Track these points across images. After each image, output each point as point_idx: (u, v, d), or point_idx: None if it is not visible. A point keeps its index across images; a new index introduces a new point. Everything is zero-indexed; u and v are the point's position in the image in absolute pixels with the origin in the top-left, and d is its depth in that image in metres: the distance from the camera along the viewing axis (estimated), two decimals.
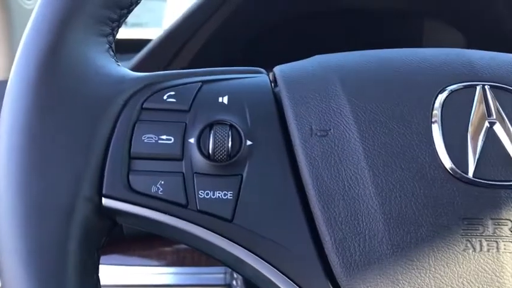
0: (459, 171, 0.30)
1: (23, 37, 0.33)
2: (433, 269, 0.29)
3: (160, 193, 0.31)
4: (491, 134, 0.31)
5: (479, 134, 0.31)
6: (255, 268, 0.31)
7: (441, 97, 0.32)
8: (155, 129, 0.32)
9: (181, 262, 0.67)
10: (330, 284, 0.30)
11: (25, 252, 0.29)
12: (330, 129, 0.32)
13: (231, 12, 0.83)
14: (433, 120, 0.31)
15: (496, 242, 0.29)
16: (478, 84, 0.32)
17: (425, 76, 0.33)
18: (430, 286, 0.29)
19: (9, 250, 0.29)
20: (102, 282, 0.33)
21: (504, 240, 0.29)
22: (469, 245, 0.29)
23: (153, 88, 0.33)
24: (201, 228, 0.31)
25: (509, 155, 0.30)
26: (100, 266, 0.33)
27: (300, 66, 0.35)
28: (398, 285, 0.29)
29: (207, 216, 0.31)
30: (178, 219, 0.31)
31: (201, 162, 0.31)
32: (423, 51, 0.35)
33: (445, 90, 0.32)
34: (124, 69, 0.34)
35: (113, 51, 0.35)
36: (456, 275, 0.29)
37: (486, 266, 0.29)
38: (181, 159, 0.31)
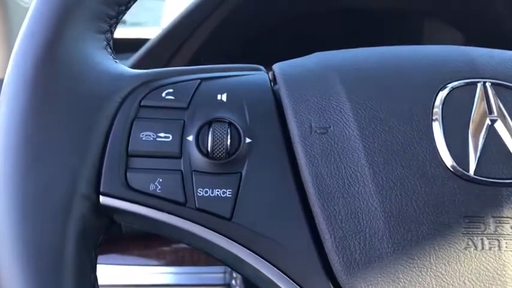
0: (460, 169, 0.30)
1: (19, 34, 0.32)
2: (434, 268, 0.29)
3: (158, 191, 0.31)
4: (492, 132, 0.30)
5: (480, 132, 0.30)
6: (254, 267, 0.31)
7: (442, 94, 0.31)
8: (153, 126, 0.32)
9: (180, 261, 0.66)
10: (330, 282, 0.30)
11: (21, 251, 0.29)
12: (330, 127, 0.31)
13: (229, 11, 0.83)
14: (433, 117, 0.31)
15: (498, 240, 0.29)
16: (479, 81, 0.32)
17: (426, 73, 0.32)
18: (431, 285, 0.29)
19: (5, 249, 0.29)
20: (100, 282, 0.32)
21: (506, 238, 0.29)
22: (470, 243, 0.29)
23: (151, 85, 0.33)
24: (200, 226, 0.31)
25: (510, 152, 0.30)
26: (98, 266, 0.32)
27: (299, 64, 0.35)
28: (399, 284, 0.29)
29: (205, 215, 0.31)
30: (176, 218, 0.31)
31: (199, 160, 0.31)
32: (423, 48, 0.35)
33: (446, 87, 0.32)
34: (122, 66, 0.34)
35: (110, 48, 0.35)
36: (457, 274, 0.29)
37: (488, 265, 0.29)
38: (179, 157, 0.31)
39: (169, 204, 0.31)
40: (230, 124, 0.31)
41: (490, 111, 0.31)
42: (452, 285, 0.29)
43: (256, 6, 0.87)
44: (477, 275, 0.29)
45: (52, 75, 0.31)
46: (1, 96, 0.31)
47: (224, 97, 0.33)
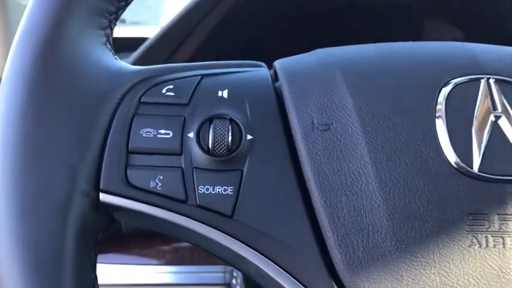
0: (464, 166, 0.30)
1: (18, 30, 0.32)
2: (438, 266, 0.29)
3: (159, 188, 0.30)
4: (496, 128, 0.30)
5: (484, 128, 0.30)
6: (255, 265, 0.30)
7: (445, 90, 0.31)
8: (153, 123, 0.31)
9: (180, 261, 0.66)
10: (332, 280, 0.30)
11: (20, 249, 0.28)
12: (332, 124, 0.31)
13: (229, 9, 0.82)
14: (437, 114, 0.31)
15: (502, 237, 0.29)
16: (482, 78, 0.31)
17: (429, 69, 0.32)
18: (435, 283, 0.29)
19: (4, 247, 0.29)
20: (100, 281, 0.32)
21: (510, 235, 0.29)
22: (474, 240, 0.29)
23: (151, 81, 0.33)
24: (201, 224, 0.30)
25: None
26: (98, 265, 0.32)
27: (301, 60, 0.35)
28: (402, 282, 0.29)
29: (206, 212, 0.30)
30: (177, 215, 0.30)
31: (200, 157, 0.31)
32: (426, 44, 0.35)
33: (449, 83, 0.31)
34: (122, 62, 0.34)
35: (110, 44, 0.34)
36: (462, 272, 0.29)
37: (492, 262, 0.29)
38: (180, 154, 0.31)
39: (170, 202, 0.30)
40: (231, 121, 0.31)
41: (494, 108, 0.31)
42: (457, 283, 0.29)
43: (256, 4, 0.87)
44: (481, 272, 0.29)
45: (51, 71, 0.30)
46: (0, 94, 0.31)
47: (225, 93, 0.32)
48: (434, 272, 0.29)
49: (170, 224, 0.31)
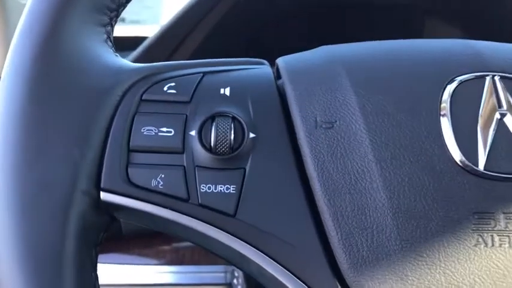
0: (469, 164, 0.29)
1: (17, 28, 0.32)
2: (443, 265, 0.28)
3: (160, 187, 0.30)
4: (502, 126, 0.30)
5: (489, 126, 0.30)
6: (258, 264, 0.30)
7: (450, 88, 0.31)
8: (155, 121, 0.31)
9: (181, 261, 0.66)
10: (336, 280, 0.29)
11: (21, 249, 0.28)
12: (336, 121, 0.31)
13: (229, 8, 0.82)
14: (441, 111, 0.30)
15: (508, 236, 0.28)
16: (487, 75, 0.31)
17: (433, 66, 0.32)
18: (440, 282, 0.28)
19: (5, 247, 0.28)
20: (100, 281, 0.32)
21: None
22: (480, 240, 0.28)
23: (152, 79, 0.32)
24: (203, 223, 0.30)
25: None
26: (98, 265, 0.32)
27: (303, 58, 0.34)
28: (407, 282, 0.28)
29: (208, 211, 0.30)
30: (179, 214, 0.30)
31: (202, 155, 0.30)
32: (430, 42, 0.34)
33: (454, 80, 0.31)
34: (122, 60, 0.33)
35: (111, 41, 0.34)
36: (467, 271, 0.28)
37: (498, 262, 0.28)
38: (182, 152, 0.31)
39: (172, 201, 0.30)
40: (234, 118, 0.31)
41: (500, 105, 0.30)
42: (462, 282, 0.28)
43: (256, 3, 0.87)
44: (487, 272, 0.28)
45: (51, 68, 0.30)
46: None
47: (227, 91, 0.32)
48: (439, 272, 0.28)
49: (172, 223, 0.30)
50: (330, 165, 0.30)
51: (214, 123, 0.30)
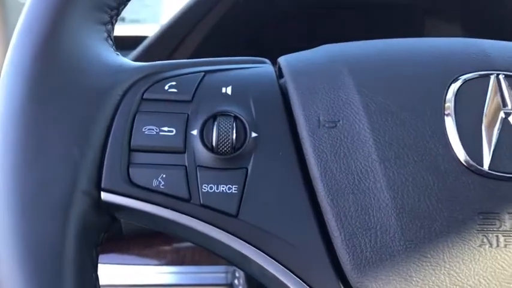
0: (474, 164, 0.29)
1: (17, 26, 0.31)
2: (448, 266, 0.28)
3: (161, 187, 0.30)
4: (506, 125, 0.30)
5: (494, 125, 0.30)
6: (260, 265, 0.30)
7: (454, 86, 0.30)
8: (156, 120, 0.31)
9: (182, 261, 0.66)
10: (339, 281, 0.29)
11: (21, 250, 0.28)
12: (339, 121, 0.30)
13: (228, 8, 0.82)
14: (446, 110, 0.30)
15: None
16: (492, 74, 0.31)
17: (437, 65, 0.32)
18: (444, 283, 0.28)
19: (5, 247, 0.28)
20: (101, 282, 0.31)
21: None
22: (485, 240, 0.28)
23: (153, 78, 0.32)
24: (204, 223, 0.30)
25: None
26: (98, 265, 0.31)
27: (305, 56, 0.34)
28: (411, 283, 0.28)
29: (210, 211, 0.30)
30: (180, 214, 0.30)
31: (204, 155, 0.30)
32: (434, 40, 0.34)
33: (458, 79, 0.31)
34: (123, 58, 0.33)
35: (111, 40, 0.34)
36: (472, 272, 0.28)
37: (503, 263, 0.28)
38: (183, 152, 0.30)
39: (173, 201, 0.30)
40: (235, 118, 0.30)
41: (504, 104, 0.30)
42: (467, 283, 0.28)
43: (256, 4, 0.87)
44: (492, 273, 0.28)
45: (50, 67, 0.30)
46: None
47: (229, 90, 0.32)
48: (444, 273, 0.28)
49: (173, 224, 0.30)
50: (333, 165, 0.30)
51: (216, 123, 0.30)
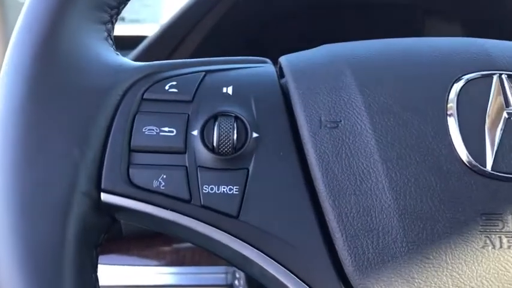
0: (477, 164, 0.29)
1: (16, 25, 0.31)
2: (450, 267, 0.28)
3: (162, 188, 0.29)
4: (509, 125, 0.29)
5: (497, 126, 0.29)
6: (261, 267, 0.30)
7: (457, 86, 0.30)
8: (156, 120, 0.30)
9: (181, 261, 0.65)
10: (341, 283, 0.29)
11: (20, 251, 0.28)
12: (341, 121, 0.30)
13: (228, 8, 0.82)
14: (448, 110, 0.30)
15: None
16: (494, 73, 0.31)
17: (440, 65, 0.31)
18: (447, 285, 0.28)
19: (4, 248, 0.28)
20: (100, 282, 0.31)
21: None
22: (488, 241, 0.28)
23: (154, 78, 0.32)
24: (205, 224, 0.30)
25: None
26: (98, 266, 0.31)
27: (307, 56, 0.34)
28: (413, 285, 0.28)
29: (211, 212, 0.29)
30: (181, 215, 0.30)
31: (205, 156, 0.30)
32: (436, 40, 0.34)
33: (461, 79, 0.30)
34: (123, 58, 0.33)
35: (111, 39, 0.33)
36: (475, 274, 0.28)
37: (506, 264, 0.28)
38: (184, 152, 0.30)
39: (174, 202, 0.30)
40: (236, 118, 0.30)
41: (507, 104, 0.30)
42: (470, 285, 0.28)
43: (256, 3, 0.86)
44: (495, 275, 0.28)
45: (50, 66, 0.30)
46: None
47: (230, 90, 0.31)
48: (446, 274, 0.28)
49: (173, 225, 0.30)
50: (335, 165, 0.29)
51: (216, 123, 0.30)
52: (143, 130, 0.30)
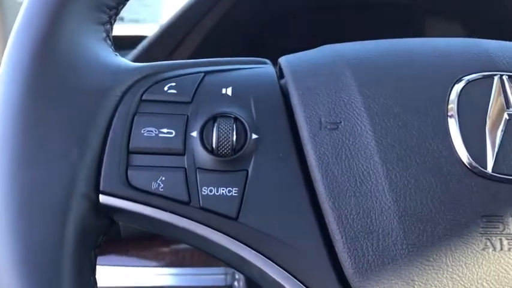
0: (477, 166, 0.29)
1: (14, 25, 0.31)
2: (451, 270, 0.28)
3: (161, 190, 0.29)
4: (510, 127, 0.29)
5: (497, 127, 0.29)
6: (261, 269, 0.29)
7: (457, 87, 0.30)
8: (155, 122, 0.30)
9: (181, 263, 0.65)
10: (341, 285, 0.29)
11: (18, 253, 0.28)
12: (341, 122, 0.30)
13: (228, 8, 0.82)
14: (449, 112, 0.30)
15: None
16: (495, 74, 0.30)
17: (440, 66, 0.31)
18: (447, 287, 0.28)
19: (2, 250, 0.28)
20: (99, 284, 0.31)
21: None
22: (488, 243, 0.28)
23: (153, 79, 0.31)
24: (204, 226, 0.29)
25: None
26: (97, 267, 0.31)
27: (307, 57, 0.34)
28: (413, 287, 0.28)
29: (210, 214, 0.29)
30: (180, 217, 0.29)
31: (204, 157, 0.30)
32: (437, 41, 0.34)
33: (462, 80, 0.30)
34: (122, 59, 0.33)
35: (110, 40, 0.33)
36: (475, 276, 0.28)
37: (507, 266, 0.28)
38: (183, 154, 0.30)
39: (173, 204, 0.29)
40: (236, 119, 0.30)
41: (508, 106, 0.30)
42: (470, 287, 0.28)
43: (256, 3, 0.86)
44: (496, 277, 0.28)
45: (48, 67, 0.29)
46: None
47: (229, 91, 0.31)
48: (446, 276, 0.28)
49: (172, 227, 0.30)
50: (335, 167, 0.29)
51: (215, 124, 0.30)
52: (142, 131, 0.30)
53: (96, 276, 0.31)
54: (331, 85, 0.31)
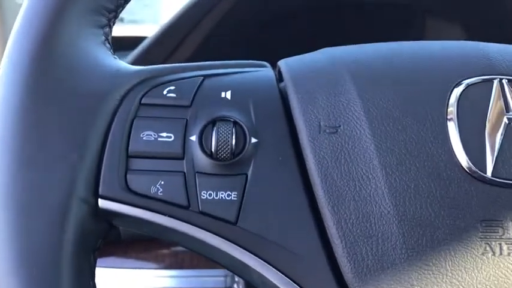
0: (477, 170, 0.28)
1: (13, 28, 0.31)
2: (450, 274, 0.28)
3: (160, 194, 0.29)
4: (510, 131, 0.29)
5: (497, 131, 0.29)
6: (260, 273, 0.29)
7: (457, 91, 0.30)
8: (154, 126, 0.30)
9: (180, 265, 0.65)
10: None
11: (17, 257, 0.27)
12: (340, 126, 0.30)
13: (228, 9, 0.82)
14: (448, 115, 0.30)
15: None
16: (495, 78, 0.30)
17: (440, 69, 0.31)
18: None
19: (1, 254, 0.28)
20: (99, 286, 0.31)
21: None
22: (488, 248, 0.28)
23: (152, 82, 0.31)
24: (203, 231, 0.29)
25: None
26: (96, 269, 0.31)
27: (306, 60, 0.34)
28: None
29: (209, 219, 0.29)
30: (179, 222, 0.29)
31: (203, 161, 0.30)
32: (436, 44, 0.34)
33: (461, 84, 0.30)
34: (121, 62, 0.33)
35: (109, 43, 0.33)
36: (475, 281, 0.28)
37: (506, 271, 0.28)
38: (182, 158, 0.30)
39: (172, 208, 0.29)
40: (235, 123, 0.30)
41: (508, 110, 0.30)
42: None
43: (256, 4, 0.86)
44: (495, 282, 0.28)
45: (49, 70, 0.29)
46: None
47: (228, 95, 0.31)
48: (446, 281, 0.28)
49: (171, 231, 0.30)
50: (334, 171, 0.29)
51: (215, 128, 0.30)
52: (141, 135, 0.30)
53: (96, 279, 0.31)
54: (331, 89, 0.31)
